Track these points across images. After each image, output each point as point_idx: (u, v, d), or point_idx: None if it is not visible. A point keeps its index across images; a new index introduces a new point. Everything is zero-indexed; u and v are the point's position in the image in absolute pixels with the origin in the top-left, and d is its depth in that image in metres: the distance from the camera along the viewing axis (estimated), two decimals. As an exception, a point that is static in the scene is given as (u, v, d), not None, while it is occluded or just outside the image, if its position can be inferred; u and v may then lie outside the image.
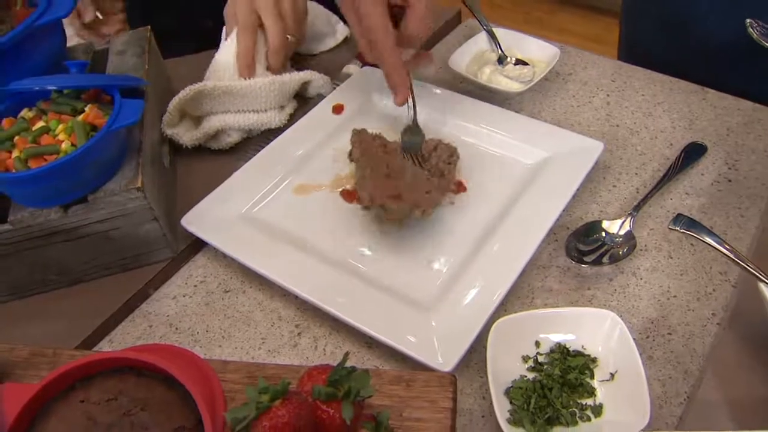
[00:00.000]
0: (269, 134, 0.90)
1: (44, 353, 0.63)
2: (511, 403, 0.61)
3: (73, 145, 0.68)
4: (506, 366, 0.63)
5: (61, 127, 0.70)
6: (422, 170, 0.77)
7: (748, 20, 0.69)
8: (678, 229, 0.61)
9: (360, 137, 0.81)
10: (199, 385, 0.55)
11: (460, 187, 0.79)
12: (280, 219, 0.78)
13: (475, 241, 0.73)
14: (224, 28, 1.00)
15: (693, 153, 0.82)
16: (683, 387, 0.63)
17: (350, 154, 0.80)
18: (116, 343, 0.72)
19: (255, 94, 0.87)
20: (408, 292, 0.70)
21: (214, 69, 0.92)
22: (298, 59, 1.02)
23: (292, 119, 0.91)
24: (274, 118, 0.90)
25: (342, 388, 0.50)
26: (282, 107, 0.91)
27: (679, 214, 0.62)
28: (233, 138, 0.90)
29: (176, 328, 0.72)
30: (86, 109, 0.71)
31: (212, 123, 0.88)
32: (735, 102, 0.89)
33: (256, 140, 0.90)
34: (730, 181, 0.80)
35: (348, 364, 0.52)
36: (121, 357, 0.56)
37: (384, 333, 0.65)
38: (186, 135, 0.89)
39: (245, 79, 0.88)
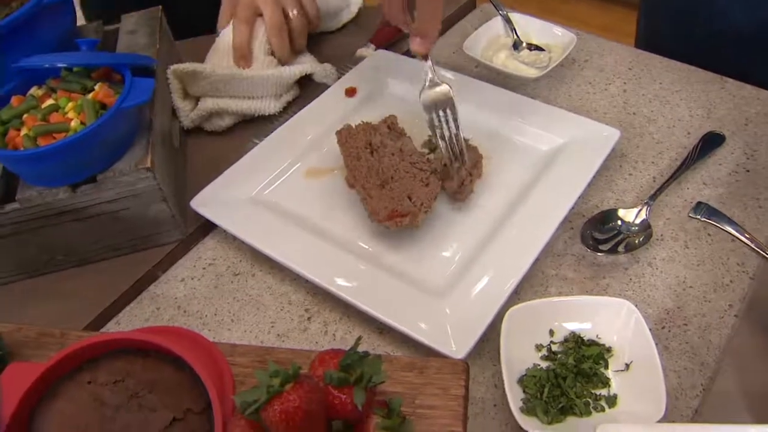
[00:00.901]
0: (279, 117, 0.89)
1: (52, 333, 0.62)
2: (524, 391, 0.60)
3: (82, 123, 0.67)
4: (519, 354, 0.62)
5: (70, 105, 0.69)
6: (416, 156, 0.75)
7: None
8: (699, 217, 0.59)
9: (344, 138, 0.78)
10: (207, 368, 0.54)
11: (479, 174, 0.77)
12: (290, 202, 0.77)
13: (489, 228, 0.72)
14: (221, 10, 0.99)
15: (711, 142, 0.81)
16: (699, 379, 0.62)
17: (347, 177, 0.77)
18: (123, 325, 0.71)
19: (252, 83, 0.87)
20: (420, 279, 0.69)
21: (214, 52, 0.92)
22: (313, 39, 1.01)
23: (293, 105, 0.91)
24: (269, 106, 0.89)
25: (354, 373, 0.49)
26: (279, 95, 0.90)
27: (699, 203, 0.61)
28: (226, 122, 0.89)
29: (184, 311, 0.72)
30: (96, 87, 0.70)
31: (207, 105, 0.87)
32: (755, 92, 0.88)
33: (266, 123, 0.89)
34: (748, 171, 0.79)
35: (359, 349, 0.51)
36: (129, 338, 0.56)
37: (396, 319, 0.64)
38: (185, 116, 0.88)
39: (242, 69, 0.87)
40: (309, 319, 0.69)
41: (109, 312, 0.72)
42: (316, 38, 1.03)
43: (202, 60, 0.92)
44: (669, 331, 0.66)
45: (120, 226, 0.73)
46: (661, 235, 0.73)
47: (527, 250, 0.68)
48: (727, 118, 0.85)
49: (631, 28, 1.17)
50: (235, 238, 0.76)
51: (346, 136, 0.78)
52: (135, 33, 0.88)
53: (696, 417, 0.59)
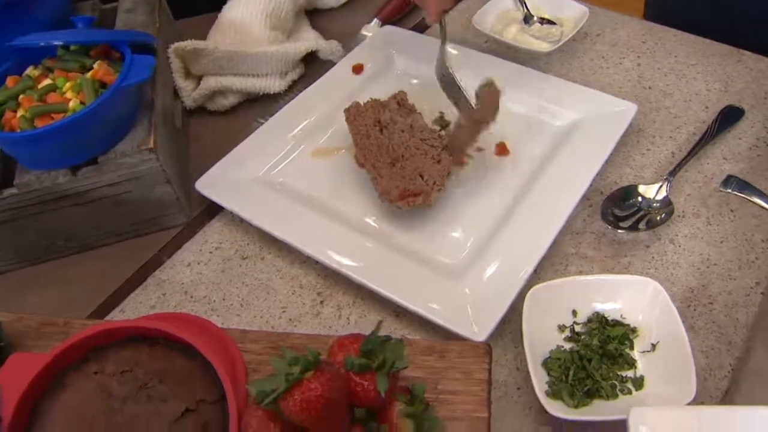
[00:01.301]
0: (284, 95, 0.86)
1: (55, 323, 0.60)
2: (548, 374, 0.58)
3: (82, 103, 0.64)
4: (542, 336, 0.60)
5: (68, 84, 0.66)
6: (427, 132, 0.73)
7: None
8: (729, 191, 0.57)
9: (353, 116, 0.75)
10: (219, 356, 0.52)
11: (503, 151, 0.75)
12: (298, 183, 0.75)
13: (505, 207, 0.70)
14: None
15: (730, 116, 0.78)
16: (727, 359, 0.60)
17: (355, 156, 0.75)
18: (128, 313, 0.69)
19: (256, 60, 0.84)
20: (437, 259, 0.67)
21: (218, 27, 0.89)
22: (315, 15, 0.98)
23: (299, 83, 0.88)
24: (274, 84, 0.86)
25: (376, 358, 0.47)
26: (285, 73, 0.87)
27: (729, 176, 0.59)
28: (230, 101, 0.87)
29: (191, 297, 0.69)
30: (95, 65, 0.67)
31: (209, 83, 0.85)
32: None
33: (271, 102, 0.86)
34: (763, 146, 0.76)
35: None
36: (136, 326, 0.53)
37: (413, 301, 0.62)
38: (186, 95, 0.85)
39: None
40: (321, 302, 0.67)
41: (113, 299, 0.69)
42: (320, 15, 1.00)
43: (203, 39, 0.89)
44: (695, 309, 0.63)
45: (122, 209, 0.71)
46: (683, 212, 0.71)
47: (546, 228, 0.66)
48: (745, 91, 0.82)
49: (639, 4, 1.14)
50: (242, 221, 0.74)
51: (354, 113, 0.75)
52: (133, 11, 0.85)
53: (725, 398, 0.57)
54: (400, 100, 0.76)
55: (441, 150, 0.70)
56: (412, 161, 0.69)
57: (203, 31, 0.91)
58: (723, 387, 0.59)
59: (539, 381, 0.56)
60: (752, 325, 0.62)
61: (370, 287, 0.64)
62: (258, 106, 0.87)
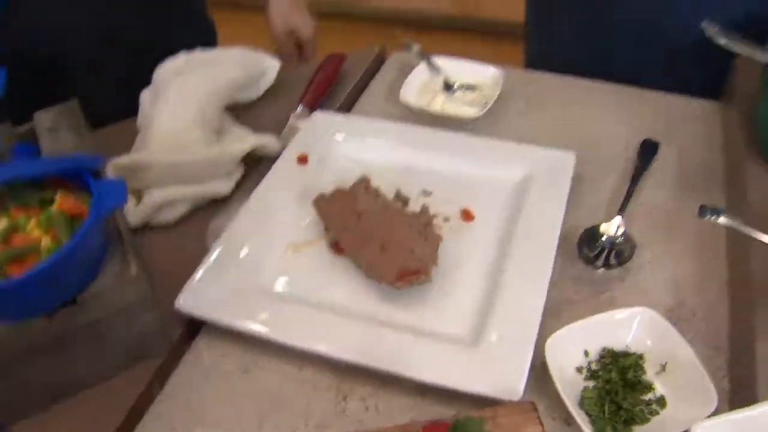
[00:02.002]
0: (233, 195, 0.85)
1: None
2: (587, 414, 0.61)
3: (54, 240, 0.59)
4: (567, 381, 0.63)
5: (33, 222, 0.61)
6: (403, 211, 0.76)
7: (703, 23, 0.76)
8: (710, 219, 0.65)
9: (323, 208, 0.77)
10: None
11: (469, 216, 0.78)
12: (283, 283, 0.74)
13: (491, 267, 0.74)
14: (147, 91, 0.94)
15: (649, 149, 0.88)
16: (718, 362, 0.67)
17: (331, 244, 0.76)
18: (137, 459, 0.63)
19: (200, 167, 0.83)
20: (444, 331, 0.68)
21: (150, 136, 0.86)
22: (240, 110, 0.98)
23: (246, 181, 0.87)
24: (221, 187, 0.85)
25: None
26: (229, 174, 0.86)
27: (702, 206, 0.66)
28: (179, 211, 0.84)
29: (202, 423, 0.65)
30: (57, 198, 0.63)
31: (155, 197, 0.82)
32: (673, 98, 0.97)
33: (221, 205, 0.85)
34: (685, 170, 0.86)
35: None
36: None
37: (439, 377, 0.63)
38: (130, 213, 0.81)
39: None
40: (344, 399, 0.65)
41: (113, 450, 0.63)
42: (242, 110, 0.99)
43: (126, 150, 0.86)
44: (679, 326, 0.69)
45: (106, 348, 0.65)
46: (642, 241, 0.77)
47: (537, 281, 0.70)
48: (654, 125, 0.93)
49: (519, 56, 1.26)
50: (230, 332, 0.70)
51: (323, 204, 0.76)
52: (57, 131, 0.80)
53: (748, 394, 0.62)
54: (366, 186, 0.78)
55: (424, 226, 0.72)
56: (400, 242, 0.70)
57: (124, 141, 0.88)
58: (726, 387, 0.64)
59: (584, 422, 0.59)
60: (729, 328, 0.69)
61: (394, 373, 0.64)
62: (207, 210, 0.84)
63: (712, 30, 0.75)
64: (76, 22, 1.02)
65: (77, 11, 1.02)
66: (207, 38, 1.24)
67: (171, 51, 0.98)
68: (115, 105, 0.98)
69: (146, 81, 0.96)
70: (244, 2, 1.20)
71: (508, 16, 2.14)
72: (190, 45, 1.00)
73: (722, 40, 0.75)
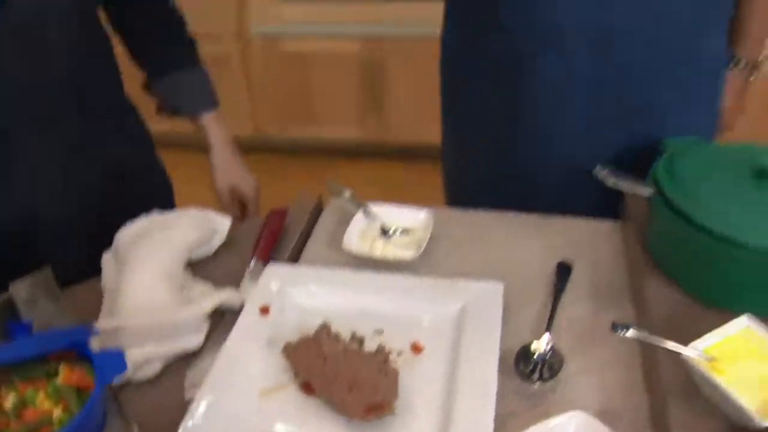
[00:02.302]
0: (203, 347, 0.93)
1: None
2: None
3: (65, 411, 0.66)
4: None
5: (41, 395, 0.67)
6: (360, 353, 0.87)
7: (596, 168, 0.92)
8: (622, 334, 0.77)
9: (292, 355, 0.86)
10: None
11: (418, 349, 0.89)
12: (260, 427, 0.81)
13: (444, 391, 0.83)
14: (109, 253, 1.03)
15: (564, 270, 1.02)
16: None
17: (302, 387, 0.85)
18: None
19: (175, 326, 0.91)
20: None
21: (123, 305, 0.94)
22: (195, 266, 1.08)
23: (213, 332, 0.95)
24: (192, 341, 0.93)
25: None
26: (198, 327, 0.95)
27: (614, 323, 0.79)
28: (156, 367, 0.91)
29: None
30: (60, 370, 0.70)
31: (135, 357, 0.88)
32: (581, 222, 1.13)
33: (192, 357, 0.92)
34: (597, 286, 1.00)
35: None
36: None
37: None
38: None
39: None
40: None
41: None
42: (197, 266, 1.09)
43: (95, 310, 0.95)
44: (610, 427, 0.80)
45: None
46: (570, 353, 0.89)
47: (485, 402, 0.80)
48: (566, 248, 1.07)
49: (438, 195, 1.42)
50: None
51: (291, 351, 0.85)
52: (35, 302, 0.87)
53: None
54: (327, 332, 0.88)
55: (383, 363, 0.82)
56: (365, 380, 0.80)
57: (89, 304, 0.96)
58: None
59: None
60: (653, 426, 0.80)
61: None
62: (181, 364, 0.92)
63: (602, 173, 0.91)
64: (41, 202, 1.11)
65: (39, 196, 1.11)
66: (163, 189, 1.36)
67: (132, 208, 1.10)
68: (80, 268, 1.06)
69: (108, 242, 1.06)
70: (195, 143, 1.33)
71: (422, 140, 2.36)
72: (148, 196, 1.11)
73: (611, 181, 0.91)
